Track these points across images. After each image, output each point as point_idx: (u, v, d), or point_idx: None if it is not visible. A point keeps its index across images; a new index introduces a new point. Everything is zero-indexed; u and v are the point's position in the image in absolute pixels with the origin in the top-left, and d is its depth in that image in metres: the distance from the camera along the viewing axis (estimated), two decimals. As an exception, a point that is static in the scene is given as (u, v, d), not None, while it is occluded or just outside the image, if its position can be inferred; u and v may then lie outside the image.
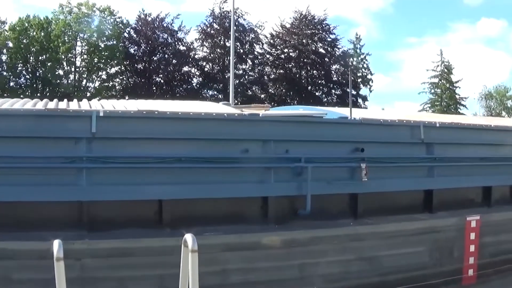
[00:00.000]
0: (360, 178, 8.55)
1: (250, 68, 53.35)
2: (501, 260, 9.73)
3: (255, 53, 53.53)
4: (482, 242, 9.49)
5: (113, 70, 50.30)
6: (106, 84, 50.16)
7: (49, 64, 47.35)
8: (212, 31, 51.47)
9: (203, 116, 8.07)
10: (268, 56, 53.90)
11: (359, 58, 55.89)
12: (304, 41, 52.28)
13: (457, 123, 11.18)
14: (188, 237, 4.00)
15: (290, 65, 53.50)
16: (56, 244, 4.02)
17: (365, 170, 8.54)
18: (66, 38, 47.55)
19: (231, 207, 7.88)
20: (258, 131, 8.26)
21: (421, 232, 8.96)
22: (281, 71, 53.31)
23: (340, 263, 7.98)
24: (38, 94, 44.13)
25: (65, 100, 11.29)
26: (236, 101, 43.37)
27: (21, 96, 43.44)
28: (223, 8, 51.04)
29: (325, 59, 53.52)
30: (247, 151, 7.96)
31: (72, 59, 48.79)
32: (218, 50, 51.75)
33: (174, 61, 50.71)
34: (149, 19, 50.31)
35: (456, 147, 10.03)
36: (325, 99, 53.54)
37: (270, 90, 53.88)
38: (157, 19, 50.37)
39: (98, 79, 50.01)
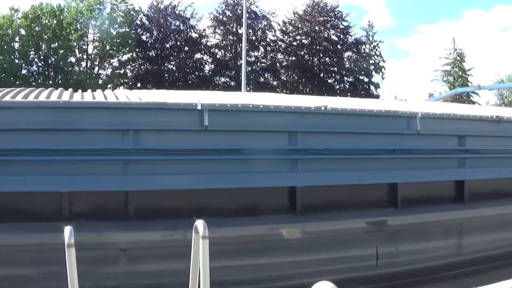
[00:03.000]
0: None
1: (262, 55, 51.14)
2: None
3: (268, 40, 51.35)
4: None
5: (125, 57, 48.17)
6: (118, 71, 47.97)
7: (61, 51, 45.26)
8: (224, 18, 49.32)
9: None
10: (280, 43, 51.62)
11: (372, 46, 53.52)
12: (316, 28, 50.11)
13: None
14: (199, 224, 3.77)
15: (302, 52, 51.25)
16: (68, 230, 3.62)
17: None
18: (78, 26, 45.39)
19: None
20: None
21: None
22: (294, 58, 51.11)
23: None
24: (50, 82, 42.31)
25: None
26: (248, 88, 41.64)
27: (33, 84, 41.62)
28: (236, -5, 48.82)
29: (338, 46, 51.25)
30: None
31: (84, 47, 46.68)
32: (231, 37, 49.58)
33: (186, 48, 48.58)
34: (162, 6, 48.11)
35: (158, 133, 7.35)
36: (337, 86, 51.39)
37: (282, 77, 51.78)
38: (170, 6, 48.18)
39: (110, 66, 47.95)
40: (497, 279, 5.60)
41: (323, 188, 7.92)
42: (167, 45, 48.36)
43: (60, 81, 43.58)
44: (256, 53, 50.54)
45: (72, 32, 44.79)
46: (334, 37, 51.41)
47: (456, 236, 8.81)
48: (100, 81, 45.74)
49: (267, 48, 51.18)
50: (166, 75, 48.52)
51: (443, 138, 9.10)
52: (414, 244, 8.16)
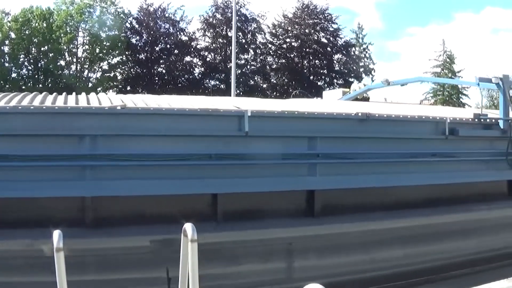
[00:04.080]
0: None
1: (252, 58, 50.50)
2: None
3: (257, 43, 50.64)
4: None
5: (114, 61, 47.55)
6: (107, 74, 47.22)
7: (51, 55, 44.77)
8: (214, 21, 48.42)
9: None
10: (270, 46, 50.87)
11: (361, 48, 52.12)
12: (306, 30, 49.16)
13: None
14: (188, 227, 3.71)
15: (292, 55, 50.27)
16: (56, 235, 3.58)
17: None
18: (68, 29, 44.87)
19: None
20: None
21: None
22: (283, 60, 50.17)
23: None
24: (40, 85, 41.78)
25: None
26: (237, 91, 40.70)
27: (23, 87, 41.13)
28: (226, -2, 47.99)
29: (327, 48, 50.05)
30: None
31: (73, 50, 46.15)
32: (220, 40, 48.62)
33: (176, 51, 47.73)
34: (151, 9, 47.32)
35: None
36: (327, 88, 49.92)
37: (272, 80, 50.86)
38: (159, 9, 47.37)
39: (100, 69, 47.15)
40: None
41: (120, 199, 6.74)
42: (157, 48, 47.67)
43: (50, 85, 43.13)
44: (246, 56, 49.92)
45: (62, 35, 44.31)
46: (323, 40, 50.50)
47: (286, 258, 7.28)
48: (90, 84, 45.06)
49: (257, 51, 50.48)
50: (156, 78, 47.77)
51: (284, 140, 7.70)
52: (222, 267, 6.82)
